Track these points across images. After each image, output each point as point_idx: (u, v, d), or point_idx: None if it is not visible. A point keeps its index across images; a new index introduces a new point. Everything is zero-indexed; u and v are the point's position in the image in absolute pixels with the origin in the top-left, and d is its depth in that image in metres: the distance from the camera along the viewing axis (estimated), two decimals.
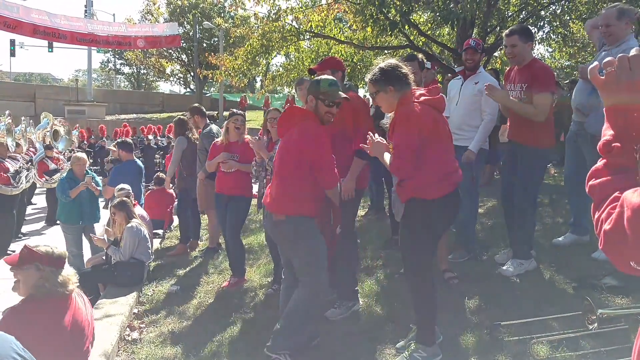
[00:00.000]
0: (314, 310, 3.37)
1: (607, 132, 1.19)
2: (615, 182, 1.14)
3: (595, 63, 1.25)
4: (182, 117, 7.09)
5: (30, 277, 2.70)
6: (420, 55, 4.84)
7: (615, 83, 1.16)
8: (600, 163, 1.20)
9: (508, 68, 4.61)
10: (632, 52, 1.15)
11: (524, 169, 4.17)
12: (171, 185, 7.93)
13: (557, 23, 11.39)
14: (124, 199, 5.50)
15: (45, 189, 10.65)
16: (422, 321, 3.17)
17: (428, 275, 3.14)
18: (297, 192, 3.26)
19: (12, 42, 31.53)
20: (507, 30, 4.28)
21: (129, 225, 5.24)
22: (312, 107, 3.31)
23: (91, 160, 13.61)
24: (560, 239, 4.76)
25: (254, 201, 5.64)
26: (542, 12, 10.55)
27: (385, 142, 3.18)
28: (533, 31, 12.57)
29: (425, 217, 3.07)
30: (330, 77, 3.46)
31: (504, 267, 4.28)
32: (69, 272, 2.84)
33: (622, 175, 1.14)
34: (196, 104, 7.22)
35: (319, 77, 3.42)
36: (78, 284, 2.93)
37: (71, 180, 6.54)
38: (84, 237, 6.53)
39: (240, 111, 5.58)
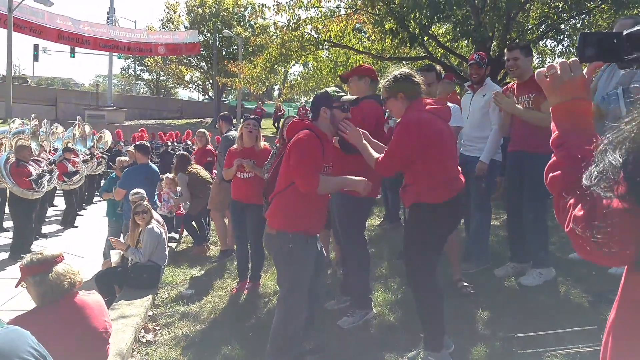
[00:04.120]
0: (291, 330, 3.24)
1: (555, 129, 1.33)
2: (575, 170, 1.22)
3: (543, 69, 1.40)
4: (183, 153, 7.69)
5: (30, 291, 2.72)
6: (437, 67, 4.89)
7: (559, 83, 1.32)
8: (554, 158, 1.31)
9: (505, 86, 4.68)
10: (573, 59, 1.32)
11: (533, 177, 4.17)
12: None
13: (577, 37, 11.32)
14: (145, 203, 5.50)
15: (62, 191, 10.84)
16: (427, 327, 3.18)
17: (431, 280, 3.15)
18: (287, 207, 3.19)
19: (36, 47, 32.15)
20: (508, 45, 4.42)
21: (150, 226, 5.28)
22: (327, 118, 3.27)
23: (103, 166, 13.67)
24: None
25: None
26: (562, 26, 10.51)
27: (363, 131, 3.29)
28: (552, 45, 12.62)
29: (428, 221, 3.11)
30: (333, 87, 3.56)
31: (523, 278, 4.27)
32: (61, 268, 2.73)
33: (578, 164, 1.23)
34: (225, 112, 7.59)
35: (325, 90, 3.42)
36: (75, 273, 2.80)
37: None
38: None
39: (253, 115, 5.69)
